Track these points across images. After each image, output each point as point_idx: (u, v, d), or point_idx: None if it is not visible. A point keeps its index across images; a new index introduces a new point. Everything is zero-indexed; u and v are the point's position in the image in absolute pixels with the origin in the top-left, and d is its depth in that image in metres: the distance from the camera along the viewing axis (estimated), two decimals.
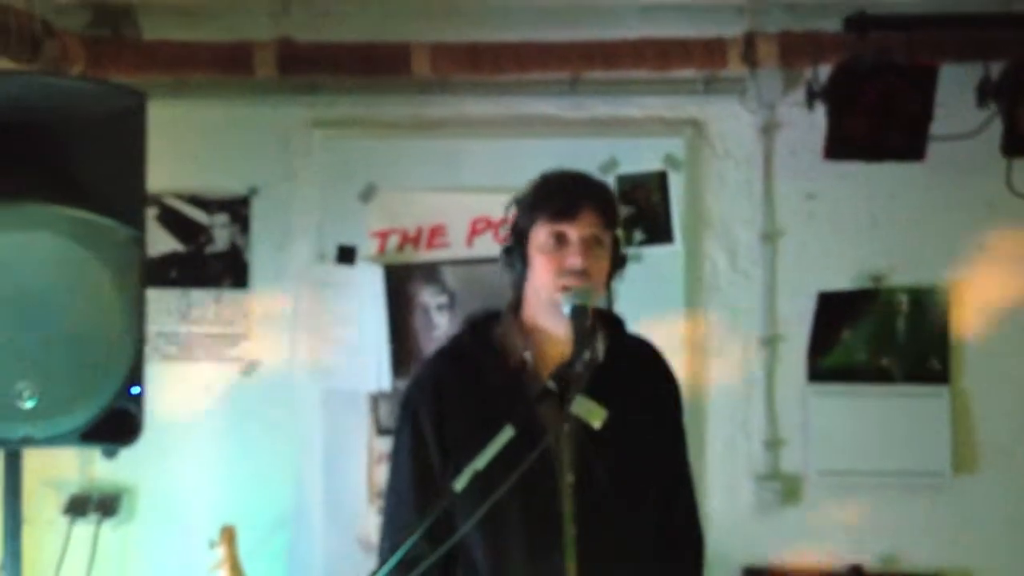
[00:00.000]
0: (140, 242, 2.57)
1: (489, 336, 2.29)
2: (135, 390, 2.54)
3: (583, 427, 2.10)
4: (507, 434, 1.99)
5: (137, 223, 2.55)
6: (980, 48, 3.31)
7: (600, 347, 2.27)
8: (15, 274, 2.35)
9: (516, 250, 2.24)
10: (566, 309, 2.13)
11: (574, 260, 2.14)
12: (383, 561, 2.07)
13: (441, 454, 2.21)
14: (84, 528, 3.53)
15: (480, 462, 1.97)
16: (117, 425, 2.53)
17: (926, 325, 3.59)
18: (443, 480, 2.13)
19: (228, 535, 3.01)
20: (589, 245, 2.16)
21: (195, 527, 3.51)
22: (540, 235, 2.18)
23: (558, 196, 2.20)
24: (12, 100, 2.41)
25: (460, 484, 1.97)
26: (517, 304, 2.29)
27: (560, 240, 2.16)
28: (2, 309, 2.34)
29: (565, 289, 2.14)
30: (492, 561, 2.18)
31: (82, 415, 2.47)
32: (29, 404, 2.37)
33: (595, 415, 2.07)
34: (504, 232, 2.31)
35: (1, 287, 2.33)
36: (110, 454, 2.65)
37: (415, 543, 1.97)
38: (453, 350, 2.36)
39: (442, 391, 2.26)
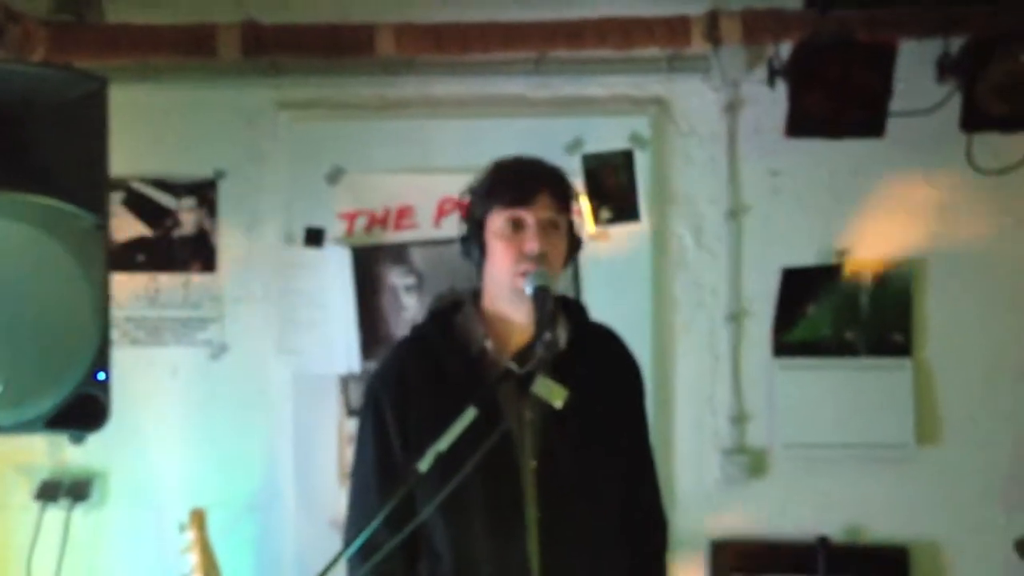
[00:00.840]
0: (104, 228, 2.55)
1: (451, 324, 2.31)
2: (101, 376, 2.53)
3: (547, 412, 2.13)
4: (469, 415, 2.00)
5: (101, 209, 2.53)
6: (940, 24, 3.30)
7: (562, 333, 2.29)
8: None
9: (473, 238, 2.26)
10: (528, 290, 2.15)
11: (532, 245, 2.17)
12: (347, 546, 2.09)
13: (403, 442, 2.24)
14: (56, 513, 3.54)
15: (443, 443, 1.98)
16: (84, 411, 2.52)
17: (889, 299, 3.60)
18: (405, 467, 2.13)
19: (197, 518, 3.04)
20: (545, 229, 2.20)
21: (167, 511, 3.54)
22: (496, 222, 2.21)
23: (512, 183, 2.23)
24: None
25: (424, 465, 1.98)
26: (477, 292, 2.31)
27: (517, 226, 2.19)
28: None
29: (524, 274, 2.15)
30: (454, 545, 2.21)
31: (48, 401, 2.47)
32: None
33: (556, 395, 2.09)
34: (460, 221, 2.34)
35: None
36: (77, 440, 2.63)
37: (377, 530, 1.98)
38: (415, 339, 2.39)
39: (404, 380, 2.28)
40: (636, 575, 2.34)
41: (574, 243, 2.31)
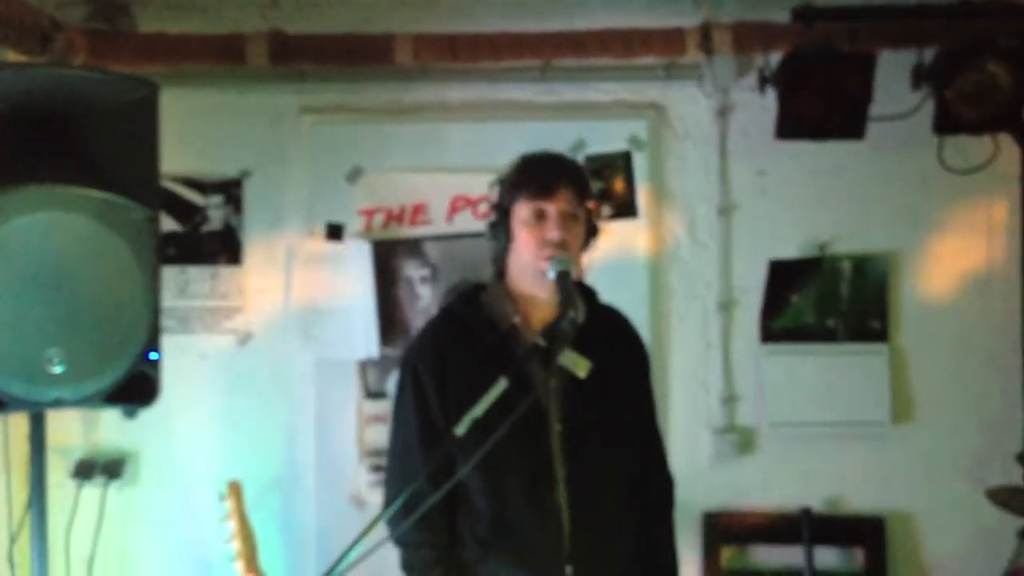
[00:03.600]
0: (155, 220, 2.75)
1: (478, 303, 2.51)
2: (153, 355, 2.73)
3: (568, 380, 2.36)
4: (501, 385, 2.21)
5: (152, 203, 2.73)
6: (914, 36, 3.52)
7: (579, 312, 2.49)
8: (44, 251, 2.54)
9: (500, 225, 2.45)
10: (551, 275, 2.35)
11: (553, 233, 2.37)
12: (389, 505, 2.31)
13: (443, 409, 2.42)
14: (91, 491, 3.72)
15: (478, 410, 2.18)
16: (137, 388, 2.72)
17: (867, 289, 3.82)
18: (446, 432, 2.32)
19: (235, 489, 3.21)
20: (566, 219, 2.39)
21: (195, 488, 3.76)
22: (522, 211, 2.41)
23: (537, 176, 2.43)
24: (35, 92, 2.58)
25: (461, 429, 2.18)
26: (501, 274, 2.51)
27: (540, 216, 2.39)
28: (33, 283, 2.52)
29: (548, 259, 2.36)
30: (493, 500, 2.41)
31: (106, 379, 2.66)
32: (59, 369, 2.56)
33: (580, 366, 2.33)
34: (488, 208, 2.53)
35: (31, 263, 2.52)
36: (130, 415, 2.80)
37: (421, 488, 2.21)
38: (448, 317, 2.59)
39: (441, 352, 2.47)
40: (649, 524, 2.58)
41: (590, 232, 2.52)
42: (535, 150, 2.51)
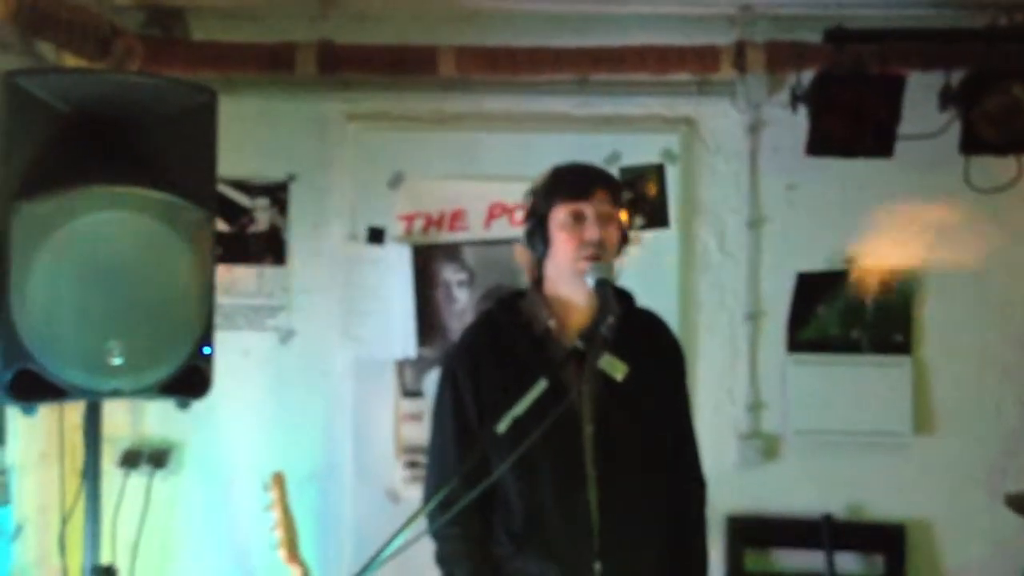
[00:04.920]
0: (212, 221, 2.84)
1: (516, 309, 2.58)
2: (207, 350, 2.82)
3: (603, 383, 2.42)
4: (541, 385, 2.25)
5: (209, 204, 2.83)
6: (942, 59, 3.59)
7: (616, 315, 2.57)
8: (107, 248, 2.62)
9: (537, 231, 2.50)
10: (591, 281, 2.40)
11: (592, 233, 2.42)
12: (428, 500, 2.40)
13: (478, 410, 2.50)
14: (138, 479, 3.85)
15: (519, 408, 2.23)
16: (190, 380, 2.80)
17: (891, 303, 3.90)
18: (481, 433, 2.44)
19: (278, 480, 3.33)
20: (603, 220, 2.44)
21: (236, 479, 3.89)
22: (560, 214, 2.45)
23: (574, 180, 2.49)
24: (99, 96, 2.68)
25: (502, 427, 2.23)
26: (539, 280, 2.57)
27: (578, 217, 2.44)
28: (96, 278, 2.60)
29: (588, 259, 2.40)
30: (525, 499, 2.48)
31: (162, 371, 2.73)
32: (118, 361, 2.63)
33: (618, 369, 2.39)
34: (523, 218, 2.58)
35: (95, 259, 2.60)
36: (183, 406, 2.88)
37: (457, 488, 2.26)
38: (485, 322, 2.65)
39: (477, 356, 2.54)
40: (679, 523, 2.63)
41: (623, 237, 2.56)
42: (568, 161, 2.58)
